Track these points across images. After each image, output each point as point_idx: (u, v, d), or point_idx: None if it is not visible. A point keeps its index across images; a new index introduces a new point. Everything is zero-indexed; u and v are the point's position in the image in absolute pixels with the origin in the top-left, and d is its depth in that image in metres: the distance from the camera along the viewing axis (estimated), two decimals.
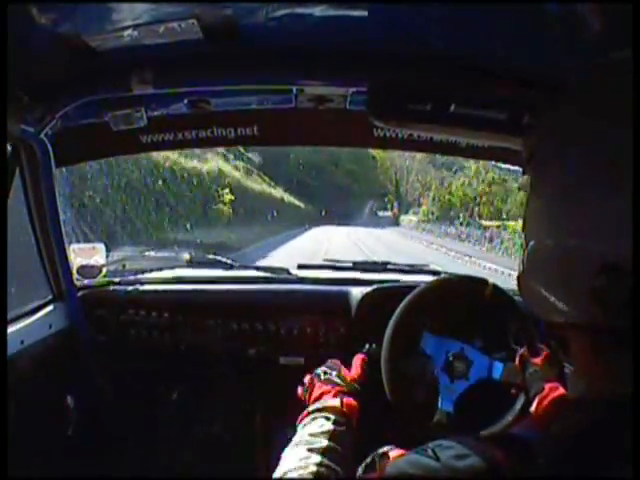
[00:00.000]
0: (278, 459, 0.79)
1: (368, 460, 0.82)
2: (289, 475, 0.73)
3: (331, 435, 0.82)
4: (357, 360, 1.12)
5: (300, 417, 0.92)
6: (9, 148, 1.25)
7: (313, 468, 0.73)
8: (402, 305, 1.17)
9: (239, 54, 1.05)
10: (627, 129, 0.41)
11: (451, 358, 1.08)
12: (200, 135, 1.56)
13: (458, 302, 1.17)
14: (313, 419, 0.89)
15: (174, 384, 1.76)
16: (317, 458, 0.76)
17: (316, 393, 0.99)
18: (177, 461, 1.72)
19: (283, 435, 1.71)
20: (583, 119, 0.47)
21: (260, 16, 0.91)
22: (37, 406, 1.33)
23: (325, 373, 1.03)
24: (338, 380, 1.01)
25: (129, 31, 0.92)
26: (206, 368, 1.69)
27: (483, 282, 1.19)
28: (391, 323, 1.16)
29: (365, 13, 0.89)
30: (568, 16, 0.78)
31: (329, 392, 0.97)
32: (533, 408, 0.99)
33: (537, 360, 1.08)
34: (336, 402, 0.92)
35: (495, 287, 1.18)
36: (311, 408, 0.93)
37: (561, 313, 0.47)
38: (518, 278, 0.54)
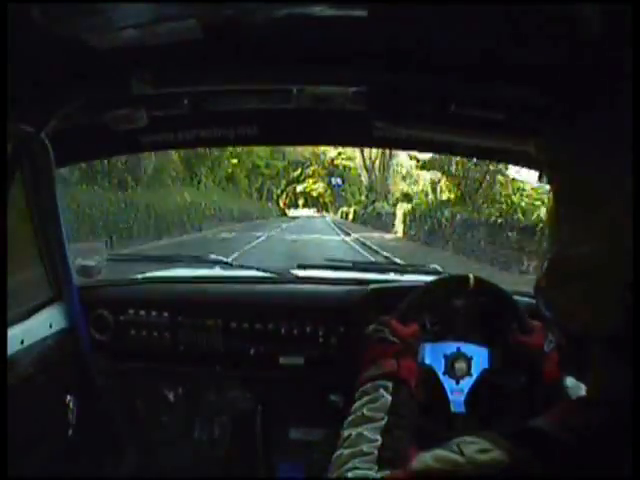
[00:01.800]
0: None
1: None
2: (355, 460, 0.69)
3: (390, 409, 0.78)
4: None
5: (357, 384, 0.86)
6: (9, 148, 1.25)
7: (376, 452, 0.70)
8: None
9: (239, 54, 1.05)
10: None
11: (451, 360, 1.08)
12: (200, 135, 1.56)
13: (446, 303, 1.17)
14: (370, 389, 0.83)
15: (174, 384, 1.76)
16: (379, 440, 0.72)
17: (369, 355, 0.90)
18: (177, 461, 1.72)
19: (283, 435, 1.73)
20: (604, 126, 0.46)
21: (260, 16, 0.91)
22: (37, 406, 1.33)
23: (376, 331, 0.94)
24: (392, 338, 0.92)
25: (129, 31, 0.91)
26: (206, 368, 1.69)
27: (465, 278, 1.17)
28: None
29: (365, 13, 0.88)
30: (568, 16, 0.78)
31: (383, 353, 0.89)
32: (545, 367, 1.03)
33: (534, 340, 1.09)
34: (393, 366, 0.85)
35: (478, 280, 1.16)
36: (367, 375, 0.86)
37: (586, 325, 0.47)
38: (536, 286, 0.52)
